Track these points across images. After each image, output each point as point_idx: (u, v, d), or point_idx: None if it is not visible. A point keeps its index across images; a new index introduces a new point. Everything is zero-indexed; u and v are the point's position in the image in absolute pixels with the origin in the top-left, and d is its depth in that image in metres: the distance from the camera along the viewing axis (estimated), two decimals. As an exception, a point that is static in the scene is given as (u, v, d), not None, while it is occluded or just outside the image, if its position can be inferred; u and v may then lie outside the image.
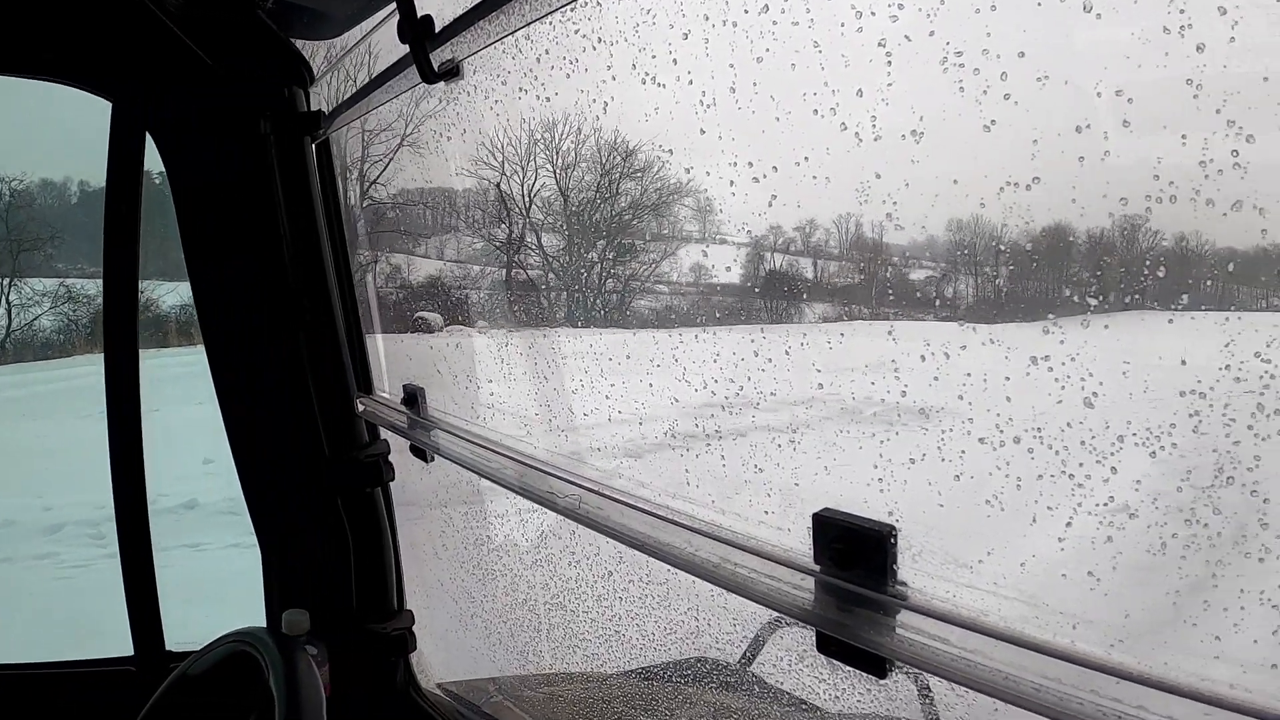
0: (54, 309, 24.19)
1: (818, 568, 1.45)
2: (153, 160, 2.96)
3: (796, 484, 1.73)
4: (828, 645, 1.44)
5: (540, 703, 3.02)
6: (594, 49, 1.91)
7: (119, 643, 3.31)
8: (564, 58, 2.00)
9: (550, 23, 1.93)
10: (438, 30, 2.18)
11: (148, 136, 2.94)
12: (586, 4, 1.83)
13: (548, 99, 2.19)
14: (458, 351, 3.31)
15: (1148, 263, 1.25)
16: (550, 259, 3.66)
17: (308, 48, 3.06)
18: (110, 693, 3.32)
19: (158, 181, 3.18)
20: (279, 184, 3.00)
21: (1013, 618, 1.25)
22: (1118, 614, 1.32)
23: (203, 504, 11.45)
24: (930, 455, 1.48)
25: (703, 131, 1.72)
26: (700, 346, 2.03)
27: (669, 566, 1.73)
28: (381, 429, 3.23)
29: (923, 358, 1.48)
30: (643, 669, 2.67)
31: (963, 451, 1.44)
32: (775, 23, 1.50)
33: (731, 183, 1.82)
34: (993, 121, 1.27)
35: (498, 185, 3.21)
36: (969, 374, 1.44)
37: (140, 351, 3.11)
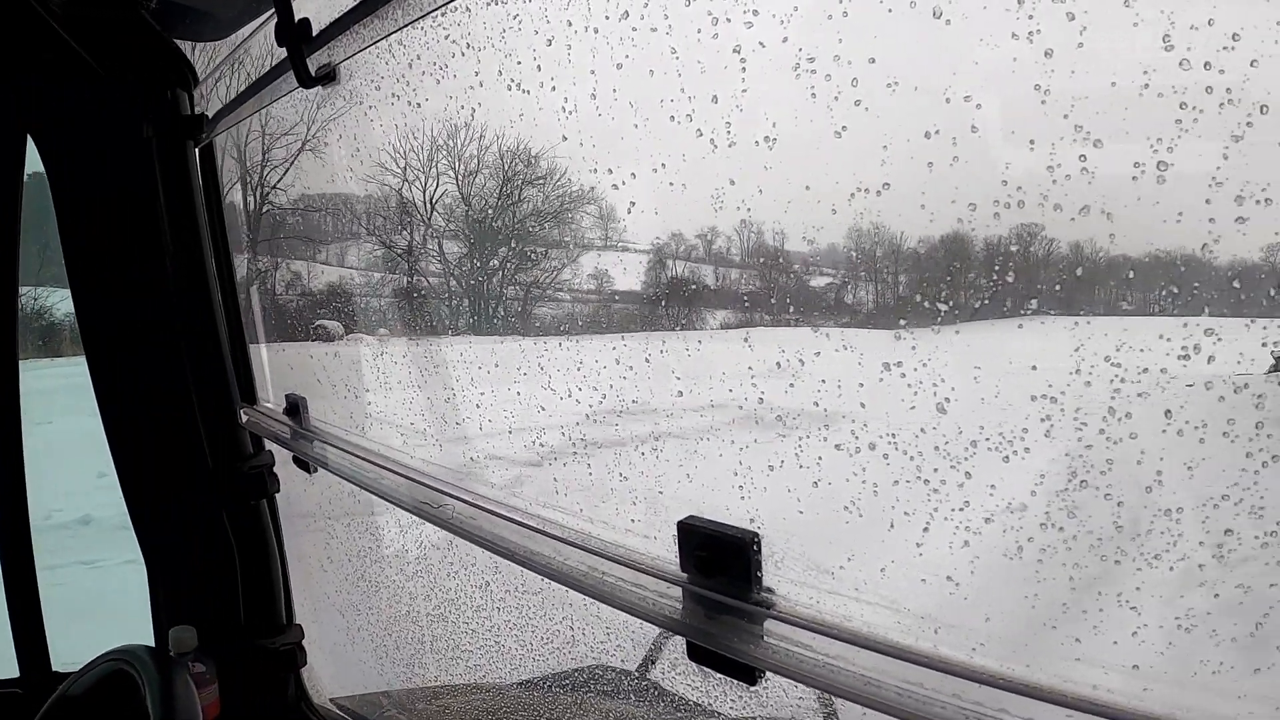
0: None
1: (685, 576, 1.44)
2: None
3: (660, 492, 1.73)
4: (697, 653, 1.43)
5: (435, 715, 2.98)
6: (462, 55, 1.88)
7: (5, 665, 3.21)
8: (434, 63, 1.98)
9: (421, 27, 1.90)
10: (315, 34, 2.14)
11: (28, 138, 2.84)
12: (456, 9, 1.81)
13: (419, 105, 2.16)
14: (338, 360, 3.26)
15: (996, 268, 1.26)
16: (422, 266, 3.61)
17: (193, 51, 2.99)
18: (-5, 716, 3.23)
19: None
20: (161, 189, 2.92)
21: (875, 623, 1.25)
22: (978, 618, 1.32)
23: (98, 519, 11.11)
24: (789, 462, 1.48)
25: (564, 138, 1.71)
26: (564, 354, 2.02)
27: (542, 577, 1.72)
28: (266, 440, 3.16)
29: (778, 364, 1.48)
30: (541, 678, 2.65)
31: (820, 458, 1.44)
32: (635, 29, 1.49)
33: (592, 189, 1.81)
34: (844, 127, 1.27)
35: (378, 192, 3.16)
36: (823, 380, 1.44)
37: (33, 361, 3.02)
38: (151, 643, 3.12)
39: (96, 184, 2.85)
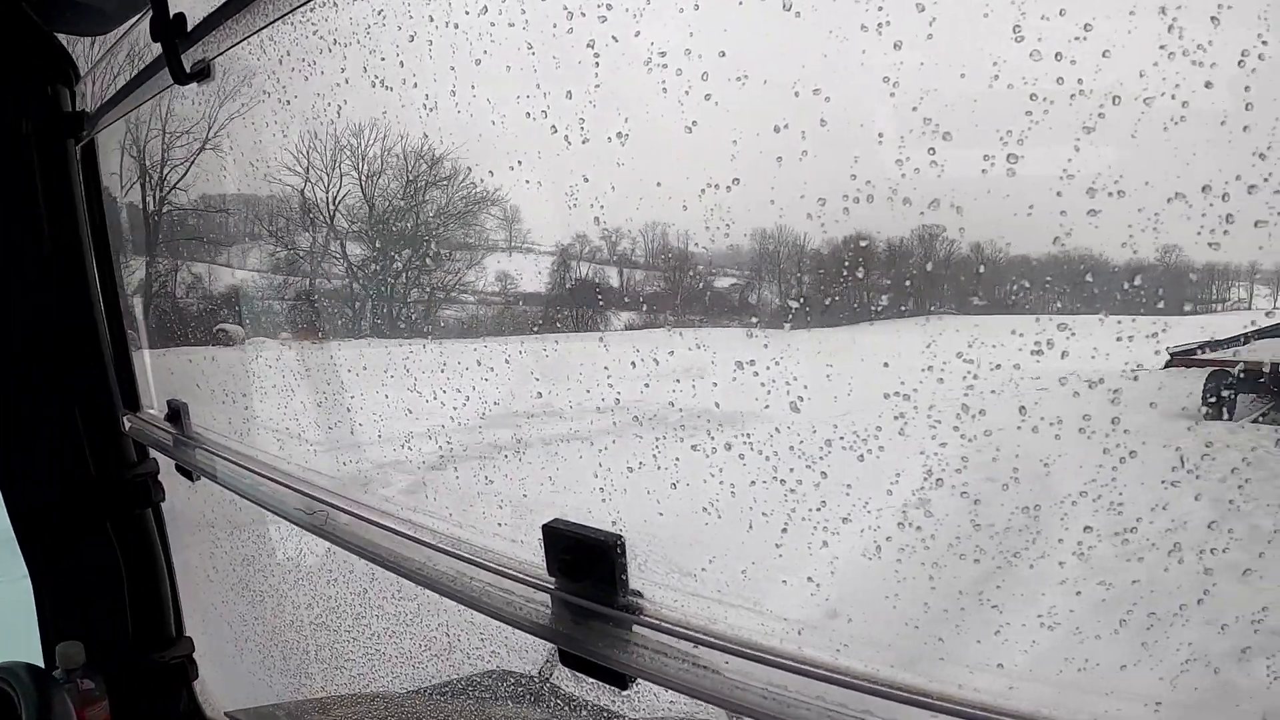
0: None
1: (552, 581, 1.42)
2: None
3: (525, 495, 1.70)
4: (568, 659, 1.41)
5: (333, 727, 2.93)
6: (329, 51, 1.84)
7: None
8: (304, 59, 1.94)
9: (291, 23, 1.86)
10: (190, 29, 2.09)
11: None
12: (324, 4, 1.77)
13: (288, 102, 2.11)
14: (216, 365, 3.20)
15: (846, 264, 1.25)
16: (294, 268, 3.56)
17: (75, 46, 2.90)
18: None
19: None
20: (40, 188, 2.83)
21: (740, 625, 1.24)
22: (840, 619, 1.31)
23: (-5, 534, 10.81)
24: (647, 463, 1.46)
25: (425, 136, 1.68)
26: (428, 356, 1.99)
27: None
28: (150, 448, 3.08)
29: (633, 364, 1.46)
30: (442, 685, 2.61)
31: (677, 459, 1.42)
32: (493, 24, 1.46)
33: (451, 187, 1.78)
34: (694, 122, 1.25)
35: (254, 192, 3.10)
36: (678, 380, 1.43)
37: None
38: (40, 660, 3.03)
39: (-29, 182, 2.76)
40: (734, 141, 1.24)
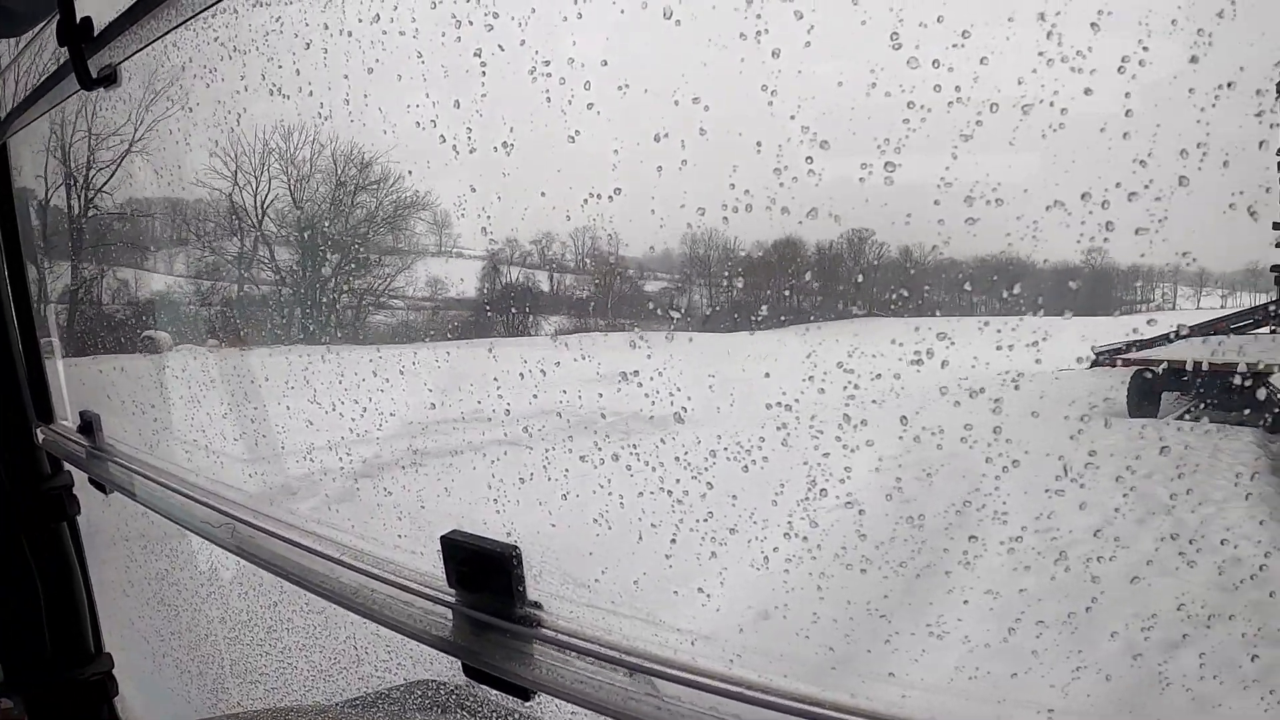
0: None
1: (452, 594, 1.41)
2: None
3: (423, 506, 1.69)
4: (471, 672, 1.40)
5: (257, 744, 2.88)
6: (230, 58, 1.82)
7: None
8: (205, 66, 1.91)
9: (194, 29, 1.83)
10: (97, 34, 2.05)
11: None
12: (225, 10, 1.75)
13: (191, 109, 2.09)
14: (125, 375, 3.15)
15: (725, 273, 1.25)
16: (210, 274, 3.53)
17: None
18: None
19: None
20: None
21: (634, 636, 1.24)
22: (732, 629, 1.31)
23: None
24: (538, 474, 1.46)
25: (320, 145, 1.67)
26: (326, 367, 1.97)
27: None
28: (65, 460, 3.02)
29: (521, 375, 1.45)
30: (363, 696, 2.58)
31: (566, 470, 1.42)
32: (385, 32, 1.45)
33: (344, 196, 1.77)
34: (577, 132, 1.24)
35: (166, 197, 3.07)
36: (564, 391, 1.42)
37: None
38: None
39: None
40: (615, 151, 1.23)
